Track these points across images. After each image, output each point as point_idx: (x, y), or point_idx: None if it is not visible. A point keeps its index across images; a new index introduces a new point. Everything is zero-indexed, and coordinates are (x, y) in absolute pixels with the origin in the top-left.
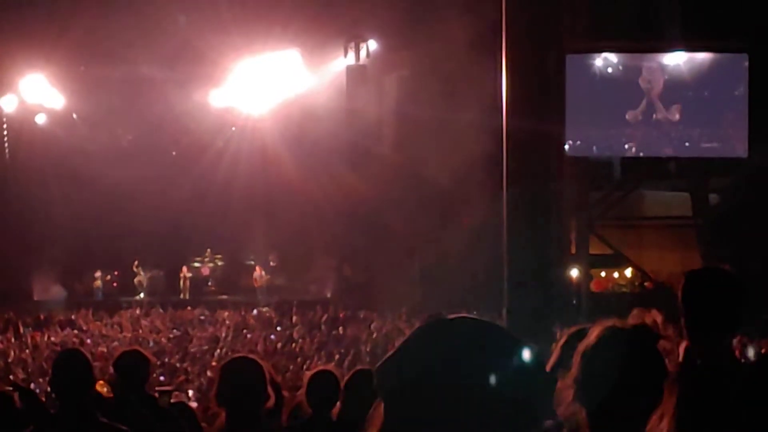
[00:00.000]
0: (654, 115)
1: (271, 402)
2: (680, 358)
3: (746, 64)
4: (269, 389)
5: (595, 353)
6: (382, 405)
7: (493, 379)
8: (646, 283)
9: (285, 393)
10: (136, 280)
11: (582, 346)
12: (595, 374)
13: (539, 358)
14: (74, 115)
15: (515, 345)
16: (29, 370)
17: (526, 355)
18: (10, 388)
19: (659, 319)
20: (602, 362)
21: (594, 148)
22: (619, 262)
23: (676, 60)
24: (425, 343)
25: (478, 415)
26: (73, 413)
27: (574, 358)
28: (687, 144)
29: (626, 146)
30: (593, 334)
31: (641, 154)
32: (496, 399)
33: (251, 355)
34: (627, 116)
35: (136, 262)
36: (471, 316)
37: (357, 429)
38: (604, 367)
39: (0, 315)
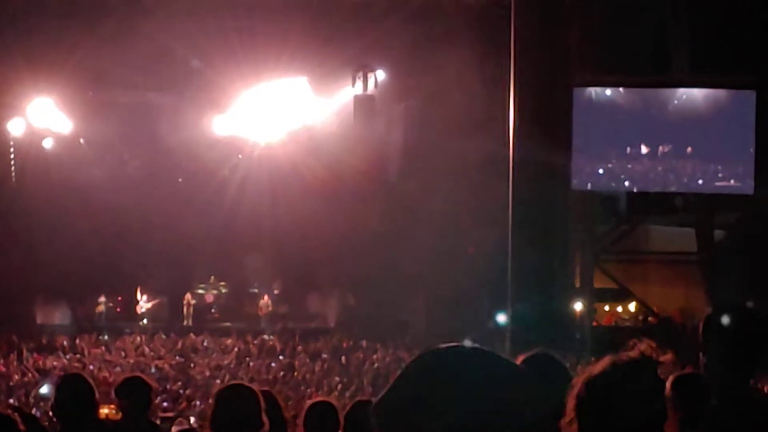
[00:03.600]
0: (661, 149)
1: (265, 429)
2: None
3: (754, 100)
4: (263, 417)
5: (600, 385)
6: None
7: (490, 409)
8: (649, 318)
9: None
10: (136, 307)
11: (586, 376)
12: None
13: (537, 385)
14: (81, 140)
15: (511, 372)
16: (32, 394)
17: (524, 381)
18: (12, 412)
19: (653, 345)
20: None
21: (600, 181)
22: (624, 297)
23: (684, 95)
24: (419, 376)
25: None
26: None
27: (576, 387)
28: (699, 181)
29: (632, 180)
30: (598, 366)
31: (647, 189)
32: (495, 429)
33: (247, 383)
34: (634, 150)
35: (138, 289)
36: (464, 345)
37: None
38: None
39: (3, 338)
